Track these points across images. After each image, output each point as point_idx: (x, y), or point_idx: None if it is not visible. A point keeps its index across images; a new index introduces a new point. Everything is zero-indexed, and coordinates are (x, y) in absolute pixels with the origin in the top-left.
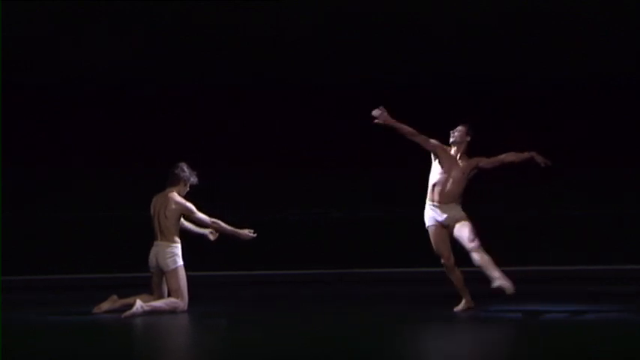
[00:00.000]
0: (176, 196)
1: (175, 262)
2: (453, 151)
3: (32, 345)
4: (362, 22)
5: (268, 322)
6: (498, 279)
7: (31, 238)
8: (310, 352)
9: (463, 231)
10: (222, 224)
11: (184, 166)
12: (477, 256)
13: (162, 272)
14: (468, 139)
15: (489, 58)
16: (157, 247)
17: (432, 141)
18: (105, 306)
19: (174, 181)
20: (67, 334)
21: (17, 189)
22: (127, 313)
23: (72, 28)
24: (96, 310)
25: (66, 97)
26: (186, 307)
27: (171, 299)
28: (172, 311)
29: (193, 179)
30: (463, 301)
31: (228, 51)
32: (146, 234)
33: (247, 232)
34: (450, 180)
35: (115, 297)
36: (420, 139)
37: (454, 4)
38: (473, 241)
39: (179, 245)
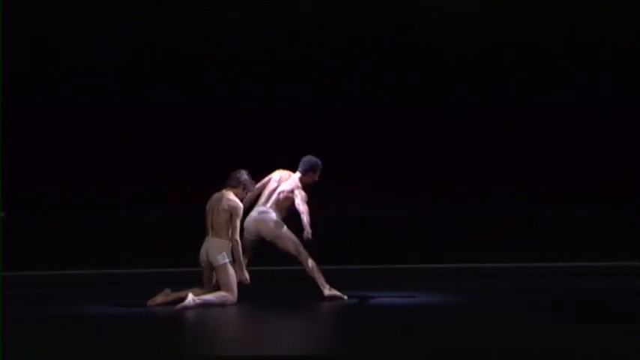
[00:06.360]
0: (231, 195)
1: (225, 257)
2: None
3: (90, 337)
4: (361, 37)
5: (314, 315)
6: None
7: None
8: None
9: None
10: (239, 249)
11: (246, 173)
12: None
13: (212, 267)
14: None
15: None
16: (208, 242)
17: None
18: (158, 299)
19: (234, 183)
20: (123, 326)
21: (20, 188)
22: (179, 306)
23: (70, 36)
24: (150, 303)
25: (66, 97)
26: (235, 301)
27: (222, 293)
28: (222, 304)
29: (252, 187)
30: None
31: (227, 64)
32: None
33: (246, 277)
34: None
35: (168, 290)
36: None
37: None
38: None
39: (229, 242)
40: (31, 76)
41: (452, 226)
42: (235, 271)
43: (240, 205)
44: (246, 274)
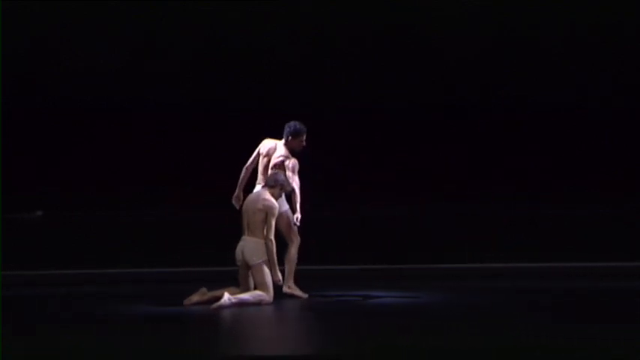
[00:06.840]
0: (267, 195)
1: (260, 256)
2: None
3: (131, 335)
4: (361, 37)
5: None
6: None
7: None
8: None
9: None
10: (274, 250)
11: (282, 174)
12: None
13: (248, 266)
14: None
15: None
16: (244, 242)
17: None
18: (194, 298)
19: (271, 183)
20: (160, 325)
21: (20, 188)
22: (215, 305)
23: (70, 36)
24: (186, 302)
25: (66, 97)
26: (271, 300)
27: (257, 292)
28: (258, 303)
29: (289, 187)
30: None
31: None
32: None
33: (279, 277)
34: None
35: (204, 290)
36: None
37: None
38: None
39: (264, 241)
40: (31, 76)
41: (452, 226)
42: (272, 270)
43: (276, 204)
44: (279, 275)
